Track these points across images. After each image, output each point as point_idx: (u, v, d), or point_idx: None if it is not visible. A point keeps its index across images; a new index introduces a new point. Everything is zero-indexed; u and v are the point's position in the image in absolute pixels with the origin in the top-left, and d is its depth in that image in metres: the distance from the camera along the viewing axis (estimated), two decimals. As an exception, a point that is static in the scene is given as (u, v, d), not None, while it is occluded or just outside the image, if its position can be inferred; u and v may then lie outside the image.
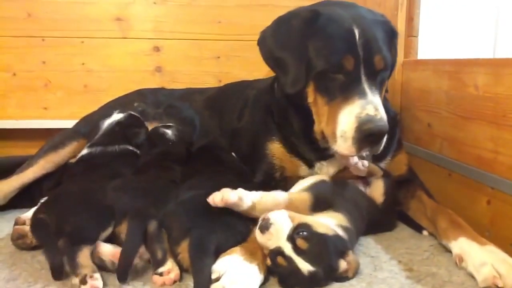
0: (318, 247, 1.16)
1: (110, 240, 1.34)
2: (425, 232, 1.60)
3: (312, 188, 1.47)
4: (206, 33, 2.87)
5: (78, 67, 2.82)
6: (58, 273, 1.21)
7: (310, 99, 1.53)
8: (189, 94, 2.33)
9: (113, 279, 1.24)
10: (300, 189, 1.50)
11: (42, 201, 1.60)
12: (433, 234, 1.56)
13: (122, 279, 1.21)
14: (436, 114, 1.86)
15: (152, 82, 2.79)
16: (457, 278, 1.28)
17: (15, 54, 2.77)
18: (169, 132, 1.89)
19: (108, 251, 1.29)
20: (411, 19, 2.15)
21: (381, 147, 1.45)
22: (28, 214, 1.52)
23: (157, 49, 2.87)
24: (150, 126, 1.99)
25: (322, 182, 1.54)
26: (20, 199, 1.81)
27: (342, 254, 1.20)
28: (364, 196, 1.55)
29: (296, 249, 1.15)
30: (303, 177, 1.69)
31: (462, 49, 2.49)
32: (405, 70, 2.15)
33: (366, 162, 1.57)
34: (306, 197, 1.39)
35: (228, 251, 1.23)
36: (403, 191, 1.72)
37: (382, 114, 1.38)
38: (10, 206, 1.79)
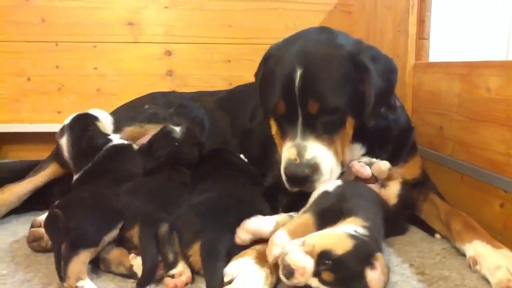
0: (342, 273, 1.10)
1: (121, 243, 1.36)
2: (437, 235, 1.59)
3: (313, 207, 1.38)
4: (216, 37, 2.90)
5: (90, 71, 2.86)
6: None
7: (273, 130, 1.61)
8: (200, 95, 2.36)
9: (118, 280, 1.27)
10: (301, 211, 1.41)
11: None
12: (445, 237, 1.55)
13: (144, 285, 1.23)
14: (447, 117, 1.85)
15: (164, 86, 2.82)
16: (469, 282, 1.27)
17: (29, 59, 2.82)
18: (177, 129, 1.86)
19: (140, 263, 1.28)
20: (422, 22, 2.15)
21: (315, 185, 1.44)
22: (43, 217, 1.53)
23: (168, 53, 2.90)
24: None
25: (324, 194, 1.44)
26: (34, 202, 1.83)
27: (368, 261, 1.12)
28: (376, 195, 1.52)
29: (323, 282, 1.11)
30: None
31: (474, 51, 2.47)
32: (416, 73, 2.15)
33: (367, 168, 1.56)
34: (309, 220, 1.31)
35: (240, 253, 1.23)
36: (415, 194, 1.71)
37: (304, 159, 1.41)
38: (25, 209, 1.82)
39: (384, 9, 2.44)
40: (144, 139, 1.95)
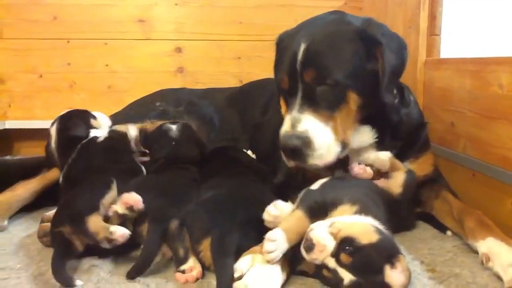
0: (361, 260, 1.12)
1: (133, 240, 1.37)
2: (449, 232, 1.59)
3: (301, 203, 1.36)
4: (227, 33, 2.90)
5: (101, 68, 2.88)
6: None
7: (282, 110, 1.61)
8: (210, 92, 2.36)
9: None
10: (290, 211, 1.38)
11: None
12: (457, 235, 1.54)
13: (133, 276, 1.25)
14: (459, 113, 1.84)
15: (174, 83, 2.83)
16: (480, 279, 1.26)
17: (41, 56, 2.85)
18: (173, 127, 1.85)
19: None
20: (433, 18, 2.13)
21: (309, 160, 1.43)
22: (52, 212, 1.55)
23: (178, 50, 2.91)
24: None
25: (307, 191, 1.43)
26: (45, 198, 1.85)
27: (389, 259, 1.13)
28: (371, 183, 1.51)
29: (340, 263, 1.13)
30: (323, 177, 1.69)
31: (486, 47, 2.44)
32: (427, 69, 2.13)
33: (367, 169, 1.55)
34: (300, 216, 1.29)
35: (250, 250, 1.24)
36: (427, 191, 1.70)
37: (296, 130, 1.41)
38: (36, 205, 1.84)
39: (395, 5, 2.43)
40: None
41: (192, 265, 1.26)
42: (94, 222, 1.30)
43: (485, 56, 1.73)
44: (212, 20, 2.91)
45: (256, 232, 1.30)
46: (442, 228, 1.61)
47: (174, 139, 1.81)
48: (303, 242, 1.17)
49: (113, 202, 1.39)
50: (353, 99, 1.46)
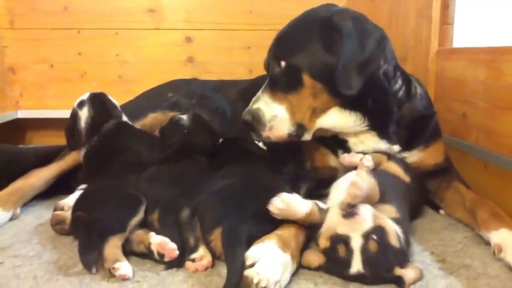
0: (381, 255, 1.13)
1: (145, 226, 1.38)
2: (442, 212, 1.67)
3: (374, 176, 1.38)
4: (237, 23, 2.89)
5: (112, 58, 2.89)
6: (88, 267, 1.25)
7: None
8: (222, 85, 2.35)
9: (142, 264, 1.29)
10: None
11: (78, 188, 1.67)
12: (469, 225, 1.53)
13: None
14: (472, 104, 1.82)
15: (184, 73, 2.83)
16: (492, 270, 1.25)
17: (52, 46, 2.87)
18: (184, 117, 1.88)
19: (157, 241, 1.28)
20: (446, 6, 2.10)
21: (259, 134, 1.59)
22: (66, 200, 1.58)
23: (188, 39, 2.91)
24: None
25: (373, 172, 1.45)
26: (58, 187, 1.87)
27: (400, 265, 1.16)
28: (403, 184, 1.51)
29: (364, 248, 1.13)
30: (333, 167, 1.69)
31: (500, 36, 2.41)
32: (439, 59, 2.11)
33: (358, 156, 1.56)
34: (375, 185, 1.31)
35: (263, 238, 1.23)
36: (438, 181, 1.69)
37: (252, 107, 1.59)
38: (49, 193, 1.86)
39: (407, -6, 2.40)
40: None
41: (202, 254, 1.27)
42: (112, 247, 1.25)
43: (499, 46, 1.70)
44: (222, 9, 2.90)
45: (268, 221, 1.30)
46: (435, 207, 1.69)
47: (186, 127, 1.83)
48: (345, 205, 1.19)
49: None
50: (311, 83, 1.52)
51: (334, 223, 1.19)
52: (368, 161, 1.52)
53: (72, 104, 1.88)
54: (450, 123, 1.97)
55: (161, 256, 1.26)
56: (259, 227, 1.27)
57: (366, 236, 1.13)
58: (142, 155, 1.74)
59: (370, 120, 1.58)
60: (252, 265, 1.14)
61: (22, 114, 2.88)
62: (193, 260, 1.26)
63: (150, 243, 1.29)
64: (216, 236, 1.26)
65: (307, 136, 1.59)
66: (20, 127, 2.96)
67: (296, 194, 1.32)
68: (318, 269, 1.23)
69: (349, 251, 1.14)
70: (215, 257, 1.28)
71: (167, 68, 2.86)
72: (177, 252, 1.26)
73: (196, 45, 2.92)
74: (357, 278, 1.15)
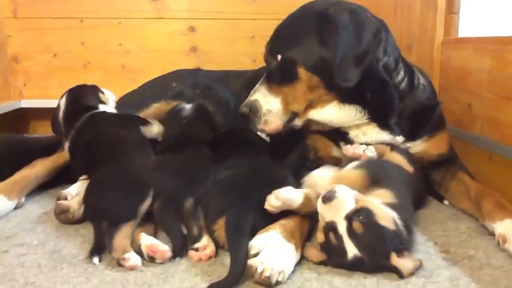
0: (372, 237, 1.13)
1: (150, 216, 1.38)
2: (446, 202, 1.66)
3: (365, 165, 1.43)
4: (240, 12, 2.87)
5: (115, 48, 2.88)
6: (96, 252, 1.26)
7: None
8: (226, 76, 2.34)
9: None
10: (351, 167, 1.46)
11: (80, 179, 1.66)
12: (473, 216, 1.53)
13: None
14: (477, 94, 1.81)
15: (188, 62, 2.82)
16: (495, 261, 1.25)
17: (55, 36, 2.86)
18: (187, 107, 1.88)
19: (147, 244, 1.26)
20: (452, -5, 2.08)
21: (255, 125, 1.62)
22: (69, 189, 1.57)
23: (192, 29, 2.89)
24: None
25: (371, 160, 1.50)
26: (62, 176, 1.87)
27: (397, 251, 1.15)
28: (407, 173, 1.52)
29: (350, 230, 1.13)
30: (336, 158, 1.69)
31: (506, 26, 2.38)
32: (444, 49, 2.09)
33: (361, 147, 1.56)
34: (359, 174, 1.35)
35: (267, 227, 1.24)
36: (443, 172, 1.69)
37: (250, 100, 1.62)
38: (53, 183, 1.86)
39: (413, -17, 2.37)
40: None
41: (205, 244, 1.27)
42: (122, 237, 1.25)
43: (506, 35, 1.69)
44: (225, -1, 2.88)
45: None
46: (439, 198, 1.69)
47: (185, 118, 1.83)
48: (325, 191, 1.20)
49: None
50: (307, 76, 1.53)
51: (319, 210, 1.21)
52: (371, 152, 1.52)
53: (76, 94, 1.89)
54: (455, 113, 1.96)
55: (151, 258, 1.24)
56: (263, 217, 1.27)
57: (349, 218, 1.14)
58: (122, 135, 1.70)
59: (370, 113, 1.58)
60: (256, 255, 1.15)
61: (25, 103, 2.88)
62: (197, 250, 1.26)
63: (140, 245, 1.27)
64: (220, 226, 1.26)
65: (298, 122, 1.61)
66: (23, 116, 2.96)
67: (290, 187, 1.33)
68: (321, 263, 1.23)
69: (339, 237, 1.15)
70: (218, 246, 1.29)
71: (170, 58, 2.85)
72: (170, 254, 1.24)
73: (199, 34, 2.90)
74: (357, 265, 1.15)
